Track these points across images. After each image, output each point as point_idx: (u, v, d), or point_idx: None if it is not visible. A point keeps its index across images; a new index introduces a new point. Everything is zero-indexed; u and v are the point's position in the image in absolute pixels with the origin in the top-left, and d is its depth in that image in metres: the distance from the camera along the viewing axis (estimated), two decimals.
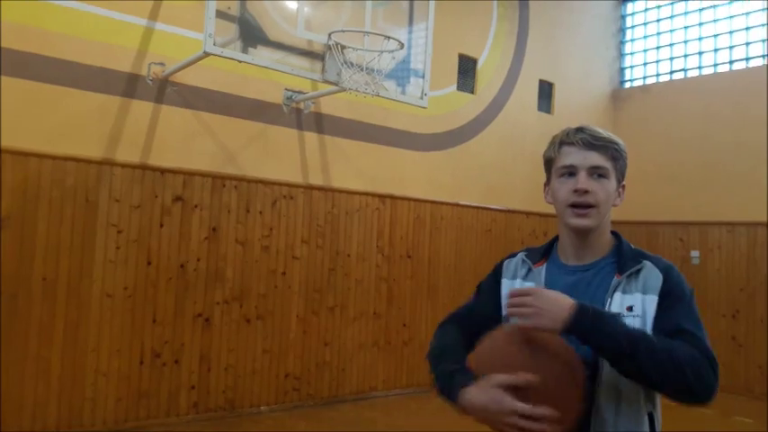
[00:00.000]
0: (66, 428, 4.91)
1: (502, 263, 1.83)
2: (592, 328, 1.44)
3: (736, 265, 7.88)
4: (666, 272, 1.60)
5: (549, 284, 1.67)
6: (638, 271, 1.60)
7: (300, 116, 6.30)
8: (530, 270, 1.75)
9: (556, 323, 1.44)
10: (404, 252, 7.06)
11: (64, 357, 4.94)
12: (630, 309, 1.56)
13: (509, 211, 7.96)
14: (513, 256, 1.83)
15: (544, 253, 1.77)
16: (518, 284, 1.74)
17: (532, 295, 1.48)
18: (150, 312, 5.35)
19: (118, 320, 5.19)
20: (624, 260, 1.63)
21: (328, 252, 6.45)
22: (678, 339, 1.48)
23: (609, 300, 1.58)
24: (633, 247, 1.70)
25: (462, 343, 1.69)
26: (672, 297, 1.56)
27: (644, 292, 1.57)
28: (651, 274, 1.59)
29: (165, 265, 5.44)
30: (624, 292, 1.58)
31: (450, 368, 1.61)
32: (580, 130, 1.67)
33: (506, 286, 1.76)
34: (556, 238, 1.78)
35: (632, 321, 1.53)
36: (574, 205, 1.62)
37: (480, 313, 1.77)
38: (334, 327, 6.47)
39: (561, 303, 1.46)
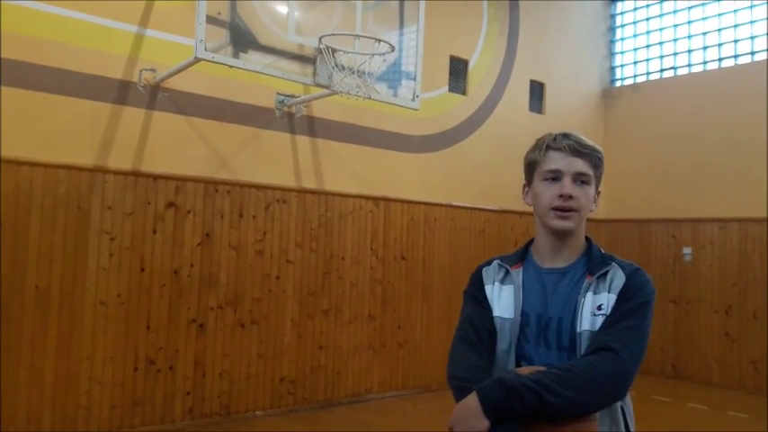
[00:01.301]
0: None
1: (480, 272, 1.87)
2: (502, 397, 1.49)
3: (729, 261, 7.93)
4: (630, 275, 1.68)
5: (526, 286, 1.76)
6: (607, 272, 1.70)
7: (292, 120, 6.30)
8: (507, 273, 1.81)
9: (474, 416, 1.50)
10: (398, 254, 7.07)
11: (58, 365, 4.92)
12: (600, 308, 1.65)
13: (502, 211, 7.98)
14: (488, 263, 1.88)
15: (520, 257, 1.83)
16: (496, 288, 1.79)
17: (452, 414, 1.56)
18: (144, 319, 5.34)
19: (112, 328, 5.17)
20: (594, 263, 1.73)
21: (322, 255, 6.45)
22: (595, 356, 1.55)
23: (582, 300, 1.67)
24: (603, 251, 1.79)
25: (483, 368, 1.69)
26: (624, 297, 1.64)
27: (609, 291, 1.67)
28: (616, 275, 1.69)
29: (159, 272, 5.42)
30: (595, 292, 1.67)
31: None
32: (566, 136, 1.74)
33: (488, 291, 1.81)
34: (530, 243, 1.86)
35: (600, 320, 1.63)
36: (557, 209, 1.70)
37: (483, 324, 1.76)
38: (328, 330, 6.47)
39: (469, 405, 1.52)
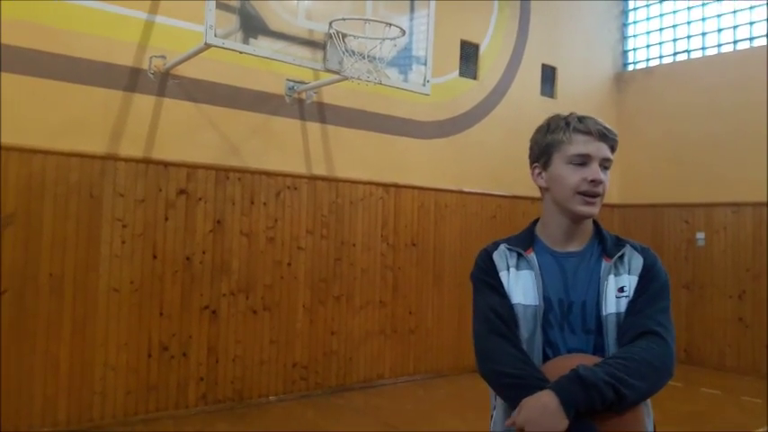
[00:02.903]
0: (77, 423, 4.94)
1: (490, 256, 1.80)
2: (583, 395, 1.46)
3: (742, 246, 7.86)
4: (645, 254, 1.73)
5: (544, 271, 1.72)
6: (623, 254, 1.72)
7: (303, 106, 6.28)
8: (519, 257, 1.76)
9: (555, 416, 1.45)
10: (409, 240, 7.06)
11: (72, 352, 4.96)
12: (622, 290, 1.67)
13: (514, 197, 7.94)
14: (495, 247, 1.82)
15: (529, 240, 1.79)
16: (512, 274, 1.74)
17: (520, 412, 1.49)
18: (157, 306, 5.37)
19: (125, 314, 5.21)
20: (608, 245, 1.74)
21: (333, 242, 6.45)
22: (644, 340, 1.57)
23: (605, 283, 1.67)
24: (610, 232, 1.80)
25: (528, 360, 1.64)
26: (647, 279, 1.68)
27: (629, 273, 1.69)
28: (633, 257, 1.72)
29: (171, 259, 5.45)
30: (615, 275, 1.68)
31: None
32: (592, 120, 1.71)
33: (504, 278, 1.75)
34: (533, 225, 1.83)
35: (624, 302, 1.65)
36: (585, 194, 1.67)
37: (507, 312, 1.70)
38: (340, 316, 6.49)
39: (546, 405, 1.46)
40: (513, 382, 1.59)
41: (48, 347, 4.85)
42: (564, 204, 1.71)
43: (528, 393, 1.52)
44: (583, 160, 1.68)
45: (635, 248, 1.73)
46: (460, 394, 6.36)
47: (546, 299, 1.69)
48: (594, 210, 1.69)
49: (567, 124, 1.71)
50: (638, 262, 1.70)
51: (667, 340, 1.58)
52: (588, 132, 1.68)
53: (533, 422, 1.46)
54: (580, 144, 1.68)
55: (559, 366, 1.57)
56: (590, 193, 1.67)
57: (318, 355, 6.32)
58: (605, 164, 1.70)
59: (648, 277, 1.68)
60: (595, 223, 1.79)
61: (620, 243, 1.74)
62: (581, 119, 1.71)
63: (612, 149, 1.71)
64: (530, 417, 1.47)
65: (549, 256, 1.74)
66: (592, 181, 1.67)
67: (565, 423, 1.44)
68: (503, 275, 1.75)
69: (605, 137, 1.69)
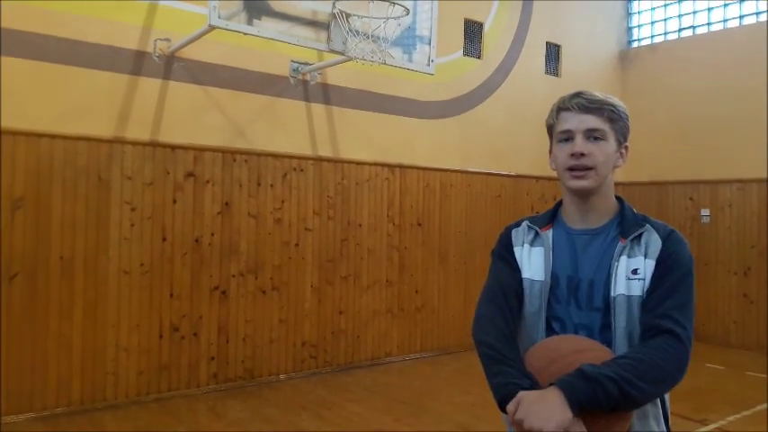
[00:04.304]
0: (90, 403, 5.04)
1: (509, 232, 1.86)
2: (587, 390, 1.42)
3: (748, 223, 7.87)
4: (666, 238, 1.64)
5: (556, 248, 1.74)
6: (641, 235, 1.66)
7: (307, 87, 6.29)
8: (536, 235, 1.79)
9: (559, 410, 1.40)
10: (414, 220, 7.10)
11: (84, 334, 5.04)
12: (635, 272, 1.62)
13: (518, 176, 7.95)
14: (518, 225, 1.86)
15: (550, 218, 1.81)
16: (525, 250, 1.78)
17: (519, 407, 1.44)
18: (167, 287, 5.43)
19: (136, 296, 5.27)
20: (628, 224, 1.69)
21: (340, 223, 6.50)
22: (658, 340, 1.53)
23: (615, 264, 1.63)
24: (636, 212, 1.74)
25: (510, 336, 1.67)
26: (666, 266, 1.61)
27: (646, 255, 1.62)
28: (652, 239, 1.65)
29: (180, 241, 5.50)
30: (629, 256, 1.63)
31: (506, 381, 1.56)
32: (577, 94, 1.70)
33: (518, 254, 1.80)
34: (560, 204, 1.83)
35: (636, 284, 1.60)
36: (572, 168, 1.67)
37: (511, 286, 1.75)
38: (348, 295, 6.56)
39: (548, 398, 1.42)
40: (486, 352, 1.63)
41: (60, 329, 4.93)
42: (562, 182, 1.74)
43: (494, 368, 1.57)
44: (567, 136, 1.69)
45: (657, 230, 1.66)
46: (466, 370, 6.43)
47: (554, 275, 1.71)
48: (584, 183, 1.66)
49: (555, 105, 1.74)
50: (656, 246, 1.63)
51: (683, 341, 1.53)
52: (569, 108, 1.69)
53: (535, 415, 1.40)
54: (563, 121, 1.69)
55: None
56: (575, 167, 1.66)
57: (327, 333, 6.40)
58: (594, 134, 1.66)
59: (667, 265, 1.60)
60: (621, 201, 1.76)
61: (640, 222, 1.68)
62: (566, 97, 1.71)
63: (609, 119, 1.66)
64: (531, 410, 1.42)
65: (565, 233, 1.76)
66: (572, 155, 1.66)
67: (569, 415, 1.39)
68: (517, 250, 1.80)
69: (588, 108, 1.65)
